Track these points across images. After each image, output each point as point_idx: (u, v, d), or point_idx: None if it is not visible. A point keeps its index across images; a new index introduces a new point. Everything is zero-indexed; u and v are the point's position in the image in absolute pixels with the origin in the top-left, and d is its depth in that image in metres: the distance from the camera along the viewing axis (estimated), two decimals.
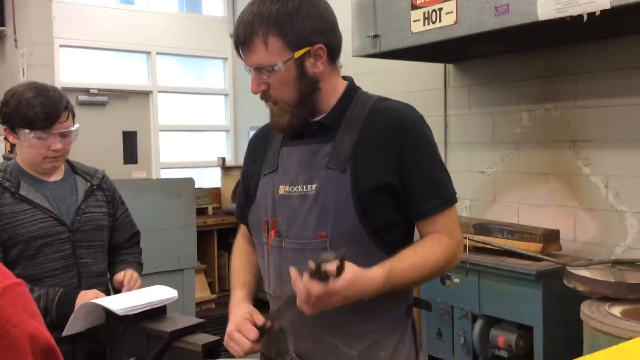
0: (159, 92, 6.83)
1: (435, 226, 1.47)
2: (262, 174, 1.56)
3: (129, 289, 2.00)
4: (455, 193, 1.53)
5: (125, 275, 2.03)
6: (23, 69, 6.10)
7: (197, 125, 7.20)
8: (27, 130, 1.91)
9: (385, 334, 1.51)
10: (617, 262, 3.10)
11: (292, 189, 1.47)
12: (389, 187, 1.43)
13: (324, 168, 1.43)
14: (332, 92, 1.49)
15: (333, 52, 1.45)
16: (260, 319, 1.51)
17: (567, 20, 2.78)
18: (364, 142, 1.43)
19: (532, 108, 3.98)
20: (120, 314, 1.68)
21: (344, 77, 1.56)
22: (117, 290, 2.09)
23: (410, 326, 1.58)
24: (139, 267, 2.21)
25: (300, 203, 1.45)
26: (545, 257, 3.45)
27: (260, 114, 6.80)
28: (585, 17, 2.69)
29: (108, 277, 2.16)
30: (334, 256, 1.26)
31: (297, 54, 1.37)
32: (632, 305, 2.77)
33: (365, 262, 1.34)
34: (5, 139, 2.02)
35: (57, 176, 2.07)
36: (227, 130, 7.38)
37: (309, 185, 1.45)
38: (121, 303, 1.73)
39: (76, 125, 2.04)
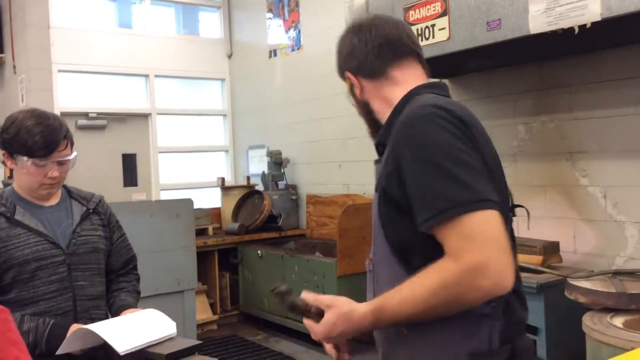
0: (158, 114, 6.86)
1: (444, 244, 1.22)
2: None
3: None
4: (460, 200, 1.19)
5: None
6: (22, 95, 6.15)
7: (196, 146, 7.23)
8: (25, 158, 1.93)
9: None
10: (617, 273, 3.09)
11: None
12: (396, 202, 1.30)
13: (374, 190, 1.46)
14: (386, 108, 1.48)
15: (362, 71, 1.51)
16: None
17: (559, 32, 2.80)
18: (386, 156, 1.38)
19: (529, 121, 4.00)
20: (121, 354, 1.69)
21: (427, 84, 1.50)
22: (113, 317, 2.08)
23: None
24: (137, 296, 2.21)
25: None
26: (546, 270, 3.44)
27: (258, 133, 6.85)
28: (577, 30, 2.72)
29: (105, 302, 2.15)
30: (286, 288, 1.35)
31: (346, 86, 1.57)
32: (634, 315, 2.76)
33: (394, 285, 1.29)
34: (3, 163, 2.03)
35: (53, 201, 2.08)
36: (227, 151, 7.40)
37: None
38: (121, 339, 1.74)
39: (74, 154, 2.06)
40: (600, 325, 2.66)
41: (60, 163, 1.99)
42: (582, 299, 2.93)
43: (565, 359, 3.26)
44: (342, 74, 1.57)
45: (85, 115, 6.36)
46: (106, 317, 2.12)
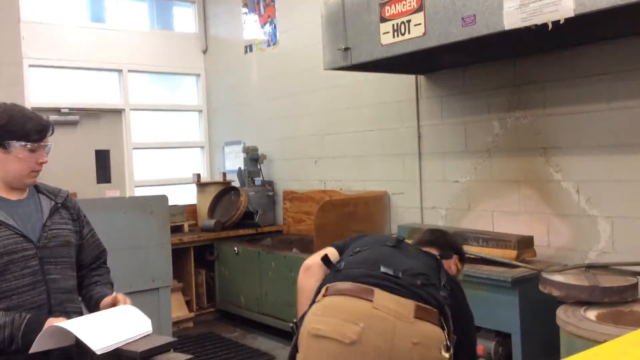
0: (132, 109, 6.78)
1: None
2: None
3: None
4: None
5: (118, 299, 2.03)
6: None
7: (171, 142, 7.15)
8: (20, 143, 1.95)
9: None
10: (590, 267, 3.14)
11: None
12: None
13: None
14: None
15: None
16: None
17: (533, 29, 2.82)
18: None
19: (503, 116, 4.03)
20: (98, 354, 1.67)
21: None
22: (91, 310, 2.07)
23: None
24: (111, 287, 2.20)
25: None
26: (520, 264, 3.48)
27: (234, 129, 6.81)
28: (550, 26, 2.74)
29: (78, 295, 2.14)
30: None
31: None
32: (606, 308, 2.80)
33: None
34: None
35: (20, 195, 2.06)
36: (202, 147, 7.34)
37: None
38: (96, 337, 1.71)
39: (50, 144, 2.10)
40: (574, 318, 2.70)
41: (47, 151, 2.05)
42: (556, 293, 2.97)
43: (540, 352, 3.30)
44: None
45: (57, 110, 6.25)
46: (81, 311, 2.11)
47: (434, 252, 2.33)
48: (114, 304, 2.01)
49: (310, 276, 2.17)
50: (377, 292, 1.89)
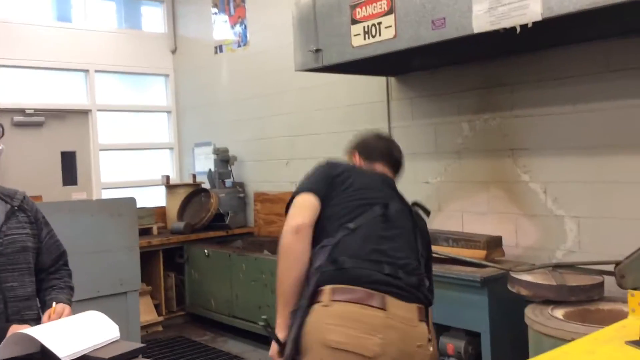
0: (99, 110, 6.66)
1: None
2: None
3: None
4: (299, 188, 2.19)
5: (56, 311, 1.95)
6: None
7: (140, 143, 7.05)
8: None
9: None
10: (558, 266, 3.19)
11: None
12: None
13: None
14: None
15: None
16: None
17: (501, 32, 2.86)
18: None
19: (472, 118, 4.08)
20: None
21: None
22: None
23: None
24: (70, 291, 2.13)
25: None
26: (489, 264, 3.52)
27: (204, 131, 6.75)
28: (519, 29, 2.78)
29: (37, 301, 2.07)
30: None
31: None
32: (573, 307, 2.85)
33: None
34: None
35: None
36: (171, 148, 7.26)
37: None
38: (62, 344, 1.67)
39: (1, 146, 1.97)
40: (542, 317, 2.74)
41: None
42: (524, 292, 3.01)
43: (508, 351, 3.34)
44: None
45: (22, 111, 6.10)
46: (39, 317, 2.04)
47: (389, 173, 2.45)
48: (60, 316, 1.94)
49: (301, 240, 2.05)
50: (389, 299, 1.89)
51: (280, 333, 1.97)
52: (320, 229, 2.07)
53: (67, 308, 1.99)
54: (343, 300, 1.88)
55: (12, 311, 1.92)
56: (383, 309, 1.86)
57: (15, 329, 1.80)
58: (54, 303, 2.00)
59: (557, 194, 3.65)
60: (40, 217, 2.14)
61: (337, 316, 1.86)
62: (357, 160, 2.39)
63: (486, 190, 4.04)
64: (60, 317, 1.94)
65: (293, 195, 2.13)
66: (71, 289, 2.15)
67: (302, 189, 2.13)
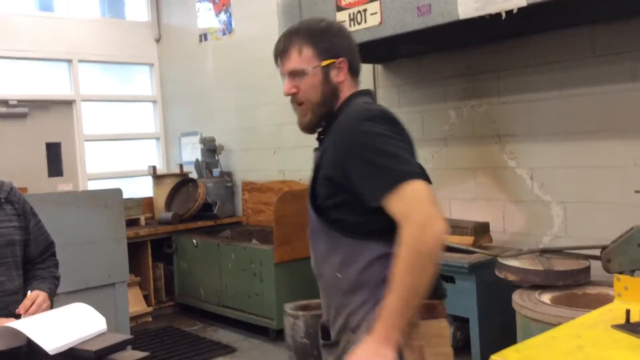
0: (83, 100, 6.59)
1: (394, 215, 1.47)
2: None
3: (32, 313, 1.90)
4: (402, 171, 1.48)
5: (30, 297, 1.92)
6: None
7: (126, 133, 6.99)
8: None
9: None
10: (544, 251, 3.21)
11: None
12: (340, 189, 1.58)
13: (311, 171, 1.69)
14: (336, 102, 1.71)
15: (353, 67, 1.73)
16: None
17: (487, 18, 2.86)
18: (325, 151, 1.65)
19: (459, 105, 4.08)
20: (51, 354, 1.61)
21: (363, 91, 1.76)
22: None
23: None
24: (54, 281, 2.11)
25: None
26: (477, 250, 3.54)
27: (191, 120, 6.70)
28: (504, 15, 2.78)
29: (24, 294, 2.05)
30: None
31: (324, 63, 1.67)
32: (560, 291, 2.88)
33: (330, 249, 1.62)
34: None
35: None
36: (157, 138, 7.21)
37: None
38: (49, 337, 1.65)
39: None
40: (529, 302, 2.77)
41: None
42: (511, 277, 3.03)
43: (497, 336, 3.37)
44: (329, 53, 1.68)
45: (5, 103, 6.02)
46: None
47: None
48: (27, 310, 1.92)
49: None
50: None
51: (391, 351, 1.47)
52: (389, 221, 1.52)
53: (41, 294, 1.97)
54: (444, 316, 1.64)
55: (0, 306, 1.90)
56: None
57: (1, 322, 1.78)
58: (29, 291, 1.98)
59: (544, 180, 3.67)
60: (28, 209, 2.11)
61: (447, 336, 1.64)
62: (343, 76, 1.70)
63: (473, 177, 4.05)
64: (34, 304, 1.92)
65: (399, 178, 1.47)
66: (56, 278, 2.13)
67: (415, 173, 1.50)
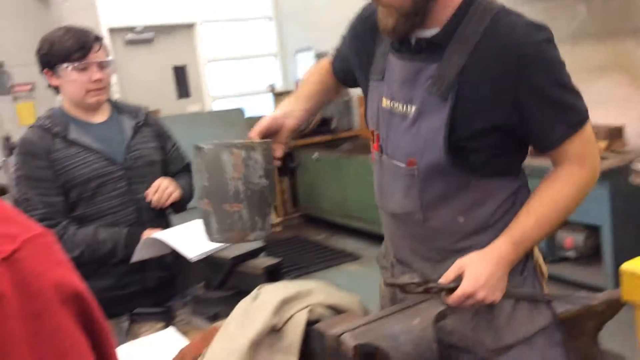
0: (204, 22, 6.78)
1: (567, 155, 1.34)
2: (371, 78, 1.45)
3: (158, 198, 2.03)
4: (584, 110, 1.34)
5: (149, 190, 2.03)
6: (64, 17, 6.16)
7: (244, 54, 7.15)
8: (65, 65, 1.93)
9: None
10: None
11: (393, 105, 1.37)
12: (497, 129, 1.29)
13: (425, 91, 1.30)
14: (449, 4, 1.29)
15: None
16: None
17: None
18: (473, 68, 1.26)
19: None
20: (193, 260, 1.74)
21: None
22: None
23: None
24: (187, 181, 2.20)
25: (399, 122, 1.35)
26: (609, 155, 3.34)
27: (306, 36, 6.70)
28: None
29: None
30: (409, 278, 1.26)
31: None
32: None
33: (453, 192, 1.34)
34: (49, 86, 2.05)
35: (102, 117, 2.09)
36: (275, 56, 7.30)
37: (408, 106, 1.33)
38: (189, 246, 1.78)
39: (111, 57, 2.05)
40: None
41: (101, 66, 1.98)
42: None
43: (631, 245, 3.22)
44: None
45: (131, 29, 6.34)
46: (168, 224, 2.17)
47: None
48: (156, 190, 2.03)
49: None
50: None
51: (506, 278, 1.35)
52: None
53: (165, 180, 2.06)
54: None
55: (146, 219, 2.06)
56: None
57: (148, 233, 1.95)
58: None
59: None
60: (164, 131, 2.24)
61: None
62: None
63: (605, 77, 3.75)
64: (160, 187, 2.04)
65: (584, 118, 1.35)
66: (189, 184, 2.21)
67: (587, 113, 1.36)
